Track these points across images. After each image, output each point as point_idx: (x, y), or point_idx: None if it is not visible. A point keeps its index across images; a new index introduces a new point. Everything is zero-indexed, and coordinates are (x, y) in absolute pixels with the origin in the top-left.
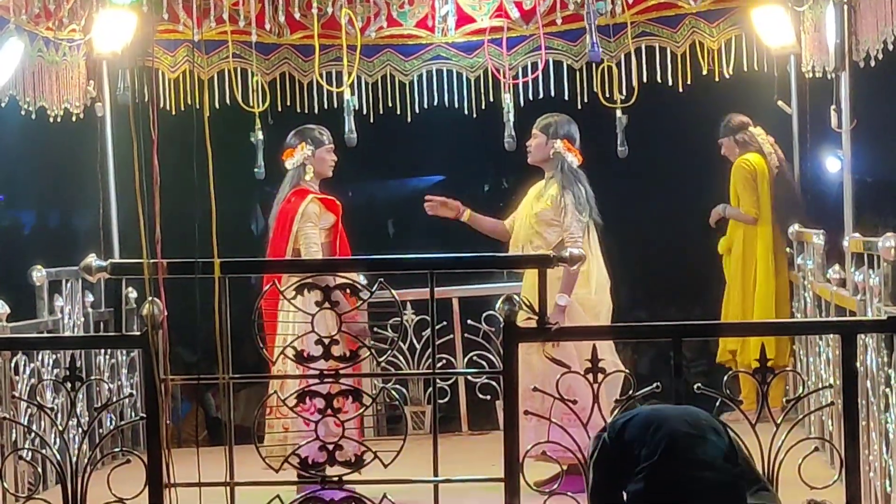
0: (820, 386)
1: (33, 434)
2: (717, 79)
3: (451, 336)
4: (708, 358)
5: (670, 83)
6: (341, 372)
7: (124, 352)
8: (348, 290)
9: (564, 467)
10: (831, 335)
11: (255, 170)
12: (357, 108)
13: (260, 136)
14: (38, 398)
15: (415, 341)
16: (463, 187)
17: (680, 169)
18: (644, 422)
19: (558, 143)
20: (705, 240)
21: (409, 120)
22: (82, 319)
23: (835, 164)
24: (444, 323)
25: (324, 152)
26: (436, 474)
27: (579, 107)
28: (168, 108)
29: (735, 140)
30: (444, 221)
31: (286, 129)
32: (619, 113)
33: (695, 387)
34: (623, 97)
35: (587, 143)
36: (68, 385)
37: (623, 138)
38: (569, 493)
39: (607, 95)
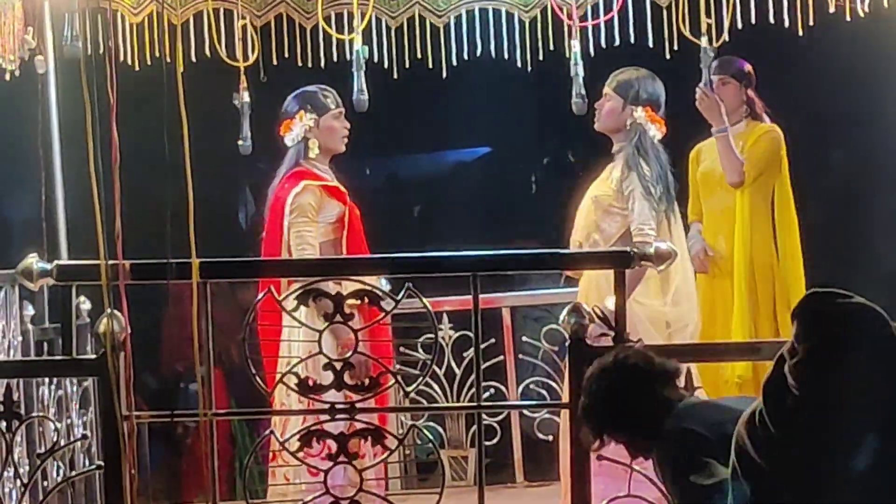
0: None
1: None
2: (848, 16)
3: (502, 358)
4: None
5: (786, 24)
6: (358, 406)
7: (75, 381)
8: (366, 299)
9: None
10: None
11: (239, 142)
12: (374, 60)
13: (246, 98)
14: None
15: (454, 365)
16: (515, 162)
17: (796, 130)
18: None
19: (639, 110)
20: (834, 220)
21: (444, 76)
22: (20, 338)
23: None
24: (493, 341)
25: (330, 119)
26: None
27: (668, 55)
28: (130, 61)
29: (745, 91)
30: (489, 207)
31: (282, 88)
32: (704, 42)
33: None
34: (710, 22)
35: (677, 103)
36: (3, 424)
37: (708, 76)
38: None
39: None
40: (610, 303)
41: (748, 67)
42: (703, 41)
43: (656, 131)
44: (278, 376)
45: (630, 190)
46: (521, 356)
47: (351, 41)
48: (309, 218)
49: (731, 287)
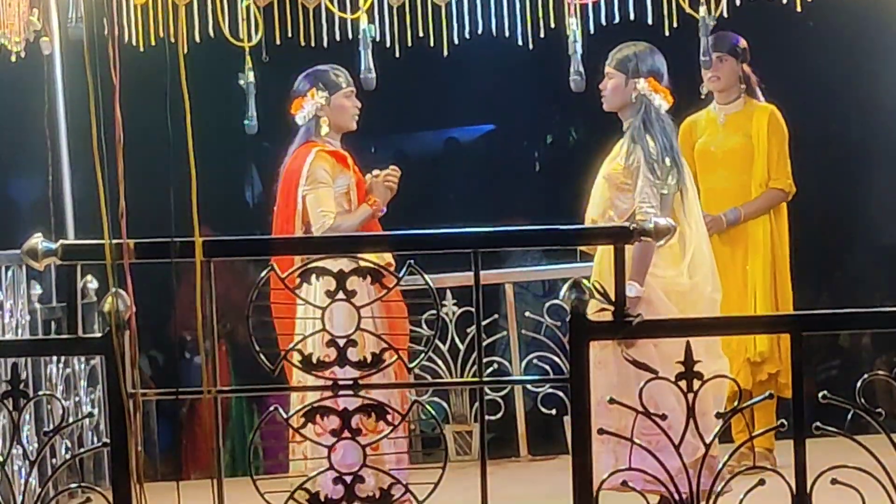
0: None
1: None
2: None
3: (505, 333)
4: (839, 357)
5: (785, 0)
6: (361, 382)
7: (82, 359)
8: (369, 276)
9: (651, 501)
10: None
11: (246, 122)
12: (376, 39)
13: (251, 77)
14: None
15: (457, 341)
16: (518, 139)
17: (794, 106)
18: None
19: (642, 82)
20: (834, 205)
21: (445, 54)
22: (27, 318)
23: None
24: (495, 316)
25: (342, 98)
26: None
27: (667, 33)
28: (134, 42)
29: (741, 67)
30: (490, 185)
31: (286, 68)
32: (702, 12)
33: (819, 396)
34: None
35: (677, 78)
36: (10, 402)
37: (707, 46)
38: None
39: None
40: (629, 289)
41: (743, 43)
42: (702, 10)
43: (662, 101)
44: (285, 353)
45: (635, 167)
46: (523, 332)
47: (353, 20)
48: (325, 183)
49: (738, 262)
